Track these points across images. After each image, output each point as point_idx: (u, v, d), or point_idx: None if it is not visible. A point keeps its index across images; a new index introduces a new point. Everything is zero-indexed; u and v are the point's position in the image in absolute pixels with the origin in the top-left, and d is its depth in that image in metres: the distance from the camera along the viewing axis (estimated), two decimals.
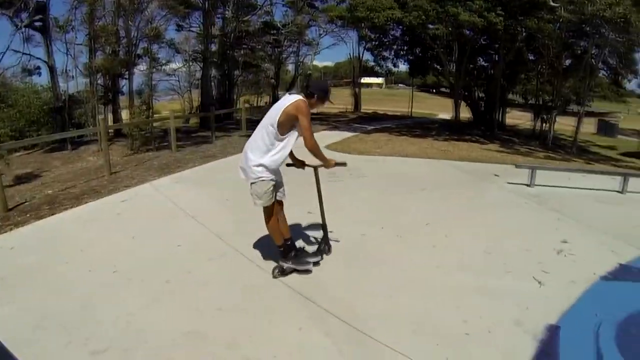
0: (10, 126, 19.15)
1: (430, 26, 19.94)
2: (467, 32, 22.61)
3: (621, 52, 20.89)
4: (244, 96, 37.02)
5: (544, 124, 25.12)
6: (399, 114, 42.22)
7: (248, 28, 30.47)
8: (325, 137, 16.81)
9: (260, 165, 4.82)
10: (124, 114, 24.43)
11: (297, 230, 6.63)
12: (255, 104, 35.62)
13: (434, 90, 77.92)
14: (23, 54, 23.59)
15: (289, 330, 4.25)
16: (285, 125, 4.77)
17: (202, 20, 27.41)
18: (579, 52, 22.66)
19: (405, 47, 28.85)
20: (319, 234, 6.11)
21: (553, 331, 4.31)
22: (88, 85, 23.46)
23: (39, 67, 24.90)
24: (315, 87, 5.11)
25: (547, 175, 10.21)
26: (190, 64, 34.77)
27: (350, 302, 4.76)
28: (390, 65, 31.19)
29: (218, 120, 22.16)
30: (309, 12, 31.81)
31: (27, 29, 23.00)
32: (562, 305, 4.77)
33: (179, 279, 5.26)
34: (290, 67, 41.19)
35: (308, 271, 5.40)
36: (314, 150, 4.91)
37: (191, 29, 31.45)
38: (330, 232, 6.00)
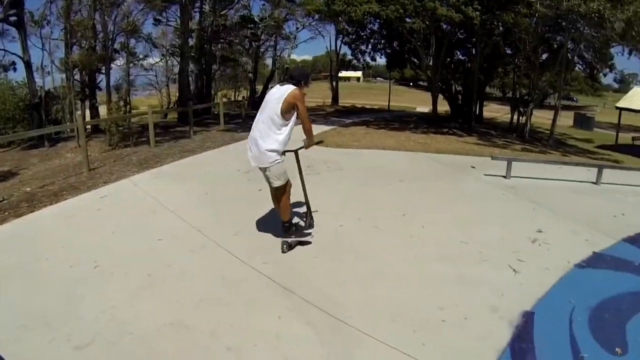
0: None
1: (408, 20, 20.01)
2: (445, 26, 22.76)
3: (596, 47, 21.13)
4: (222, 91, 36.97)
5: (521, 117, 25.36)
6: (377, 108, 42.50)
7: (225, 22, 30.43)
8: (302, 131, 16.78)
9: (273, 150, 5.45)
10: (102, 110, 24.22)
11: None
12: (233, 99, 35.56)
13: (412, 84, 78.28)
14: None
15: (269, 320, 4.34)
16: (287, 112, 5.44)
17: (179, 14, 27.23)
18: (556, 46, 22.90)
19: (383, 41, 28.90)
20: (302, 209, 6.57)
21: (528, 317, 4.45)
22: (65, 81, 23.24)
23: (14, 63, 24.78)
24: (299, 75, 5.82)
25: (523, 167, 10.40)
26: (168, 58, 34.72)
27: (329, 292, 4.87)
28: (368, 58, 31.24)
29: (196, 115, 22.09)
30: (286, 6, 31.80)
31: (1, 23, 22.74)
32: (536, 292, 4.92)
33: (160, 272, 5.30)
34: (268, 61, 41.22)
35: (309, 242, 6.04)
36: (311, 130, 5.87)
37: (169, 23, 31.38)
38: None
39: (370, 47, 29.55)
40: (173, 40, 32.18)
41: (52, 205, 8.05)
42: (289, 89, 5.48)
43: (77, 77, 23.42)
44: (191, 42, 27.65)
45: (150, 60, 34.14)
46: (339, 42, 40.32)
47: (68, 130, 21.86)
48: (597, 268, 5.73)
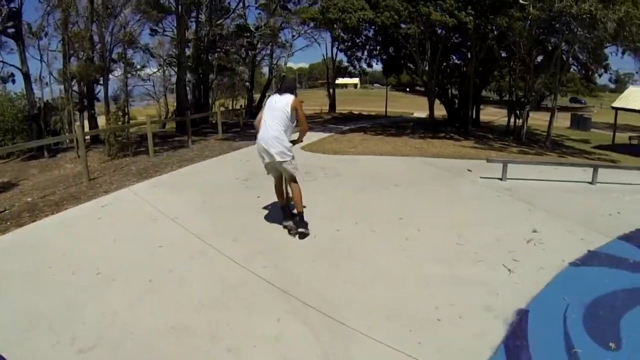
0: None
1: (403, 26, 20.12)
2: (440, 31, 22.87)
3: (590, 47, 21.26)
4: (219, 100, 37.03)
5: (517, 120, 25.45)
6: (374, 114, 42.53)
7: (222, 31, 30.52)
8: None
9: (288, 146, 6.42)
10: (101, 120, 24.30)
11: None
12: (231, 107, 35.64)
13: (409, 89, 78.50)
14: None
15: (268, 321, 4.43)
16: (293, 115, 6.53)
17: (176, 24, 27.34)
18: (550, 48, 23.03)
19: (379, 47, 28.99)
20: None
21: (522, 315, 4.53)
22: (63, 92, 23.36)
23: (12, 74, 24.87)
24: (292, 87, 7.26)
25: (519, 169, 10.49)
26: (165, 68, 34.79)
27: (326, 293, 4.95)
28: (364, 65, 31.35)
29: (194, 124, 22.15)
30: (281, 15, 31.93)
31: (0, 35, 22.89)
32: (531, 291, 4.99)
33: (161, 277, 5.39)
34: (265, 69, 41.34)
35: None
36: (306, 130, 7.19)
37: (165, 33, 31.52)
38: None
39: (366, 53, 29.68)
40: (170, 50, 32.31)
41: (53, 215, 8.12)
42: (290, 97, 6.55)
43: (76, 88, 23.50)
44: (188, 51, 27.77)
45: (148, 71, 34.30)
46: (335, 50, 40.61)
47: (67, 141, 22.03)
48: (592, 266, 5.78)
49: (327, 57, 46.50)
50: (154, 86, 37.26)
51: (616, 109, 27.82)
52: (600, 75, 29.59)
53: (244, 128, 23.13)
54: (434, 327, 4.35)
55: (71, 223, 7.69)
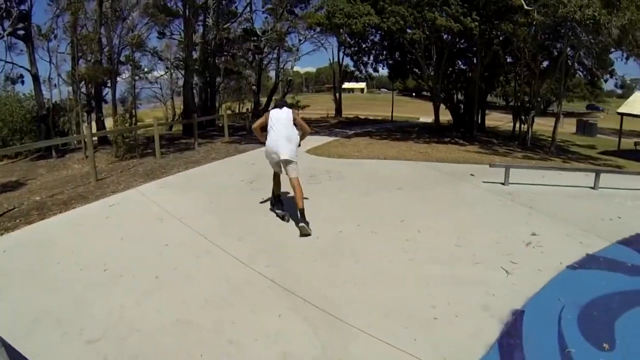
0: None
1: (409, 31, 20.19)
2: (445, 36, 22.98)
3: (595, 53, 21.27)
4: (226, 103, 37.17)
5: (522, 125, 25.48)
6: (381, 118, 42.60)
7: (229, 35, 30.70)
8: (306, 142, 16.92)
9: (296, 149, 7.53)
10: (108, 122, 24.48)
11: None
12: (237, 111, 35.78)
13: (415, 94, 78.53)
14: (6, 62, 23.75)
15: (270, 318, 4.58)
16: (296, 124, 7.60)
17: (183, 28, 27.51)
18: (555, 53, 23.05)
19: (385, 52, 29.00)
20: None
21: (517, 315, 4.64)
22: (71, 94, 23.56)
23: (22, 76, 25.09)
24: (284, 103, 8.31)
25: (522, 173, 10.52)
26: (173, 71, 35.00)
27: (327, 292, 5.09)
28: (370, 70, 31.37)
29: (201, 127, 22.30)
30: (288, 19, 32.01)
31: (9, 37, 23.10)
32: (527, 292, 5.09)
33: (167, 275, 5.54)
34: (272, 73, 41.40)
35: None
36: (309, 131, 8.08)
37: (173, 36, 31.75)
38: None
39: (372, 58, 29.64)
40: (177, 54, 32.52)
41: (61, 214, 8.29)
42: (290, 110, 7.72)
43: (84, 89, 23.68)
44: (195, 55, 27.88)
45: (155, 74, 34.57)
46: (341, 54, 40.57)
47: (75, 142, 22.22)
48: (590, 269, 5.83)
49: (333, 61, 46.52)
50: (161, 89, 37.58)
51: (622, 114, 27.82)
52: (606, 81, 29.55)
53: (250, 131, 23.25)
54: (430, 326, 4.47)
55: (79, 222, 7.84)
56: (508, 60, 26.08)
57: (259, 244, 6.53)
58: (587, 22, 16.18)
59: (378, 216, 7.85)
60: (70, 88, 23.49)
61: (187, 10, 25.60)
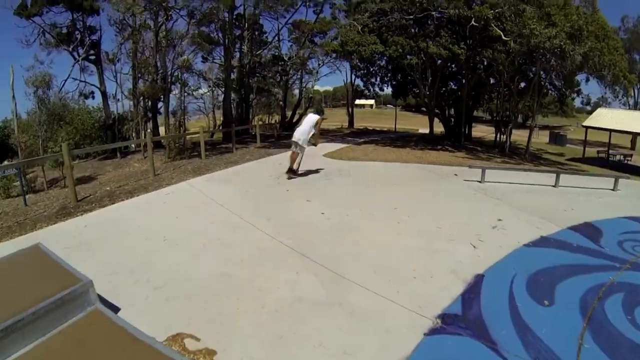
0: (68, 139, 19.73)
1: (408, 57, 20.46)
2: (438, 61, 23.24)
3: (563, 75, 21.30)
4: (258, 115, 37.49)
5: (502, 135, 25.60)
6: (386, 129, 42.58)
7: (260, 60, 30.89)
8: (323, 148, 17.18)
9: (306, 138, 10.15)
10: (161, 130, 24.97)
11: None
12: (267, 122, 36.10)
13: (415, 110, 78.26)
14: (80, 81, 24.52)
15: (290, 274, 5.09)
16: (315, 125, 10.22)
17: (223, 54, 27.92)
18: (530, 75, 23.15)
19: (389, 74, 29.11)
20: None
21: (479, 278, 5.04)
22: (132, 107, 24.17)
23: (92, 92, 25.73)
24: (319, 110, 11.13)
25: (496, 174, 10.78)
26: (214, 89, 35.39)
27: (333, 256, 5.56)
28: (377, 89, 31.55)
29: (237, 135, 22.53)
30: (309, 47, 32.15)
31: (83, 61, 23.89)
32: (488, 262, 5.48)
33: (213, 243, 6.04)
34: (296, 91, 41.56)
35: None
36: (318, 135, 10.51)
37: (214, 60, 32.04)
38: (324, 213, 7.26)
39: (378, 79, 29.69)
40: (218, 75, 32.78)
41: (128, 200, 8.78)
42: (316, 116, 10.37)
43: (142, 104, 24.22)
44: (233, 75, 28.13)
45: (200, 91, 34.92)
46: (353, 76, 40.59)
47: (134, 146, 22.84)
48: (542, 247, 6.11)
49: (347, 82, 46.63)
50: (204, 103, 37.88)
51: (586, 127, 27.71)
52: (573, 99, 29.50)
53: (277, 139, 23.70)
54: (409, 281, 4.92)
55: (143, 205, 8.35)
56: (491, 81, 26.11)
57: (283, 222, 6.97)
58: (555, 50, 16.40)
59: (376, 204, 8.20)
60: (132, 102, 23.98)
61: (226, 40, 26.04)
